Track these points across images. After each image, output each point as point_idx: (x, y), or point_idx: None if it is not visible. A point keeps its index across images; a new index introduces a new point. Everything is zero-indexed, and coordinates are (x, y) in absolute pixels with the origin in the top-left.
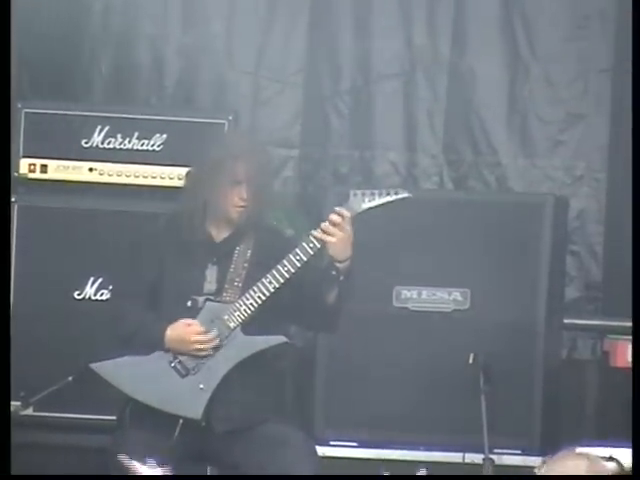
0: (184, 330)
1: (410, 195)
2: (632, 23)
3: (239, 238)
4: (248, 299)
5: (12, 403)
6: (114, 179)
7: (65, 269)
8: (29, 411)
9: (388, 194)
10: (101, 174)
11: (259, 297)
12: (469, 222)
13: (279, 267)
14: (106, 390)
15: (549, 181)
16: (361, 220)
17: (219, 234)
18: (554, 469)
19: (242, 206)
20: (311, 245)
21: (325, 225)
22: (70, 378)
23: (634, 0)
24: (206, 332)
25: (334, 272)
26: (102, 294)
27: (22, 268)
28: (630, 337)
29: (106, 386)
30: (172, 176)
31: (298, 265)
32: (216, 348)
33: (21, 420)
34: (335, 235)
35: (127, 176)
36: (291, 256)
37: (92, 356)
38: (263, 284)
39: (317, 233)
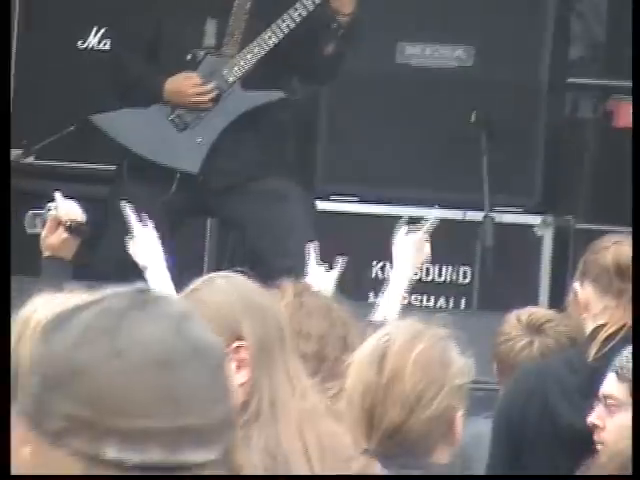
0: (183, 82)
1: None
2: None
3: None
4: (247, 54)
5: (13, 151)
6: None
7: (68, 17)
8: (30, 159)
9: None
10: None
11: (258, 51)
12: None
13: (279, 22)
14: (107, 140)
15: None
16: None
17: None
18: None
19: None
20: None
21: None
22: (72, 127)
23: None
24: (204, 84)
25: (335, 25)
26: (105, 44)
27: (25, 14)
28: None
29: (106, 137)
30: None
31: (297, 21)
32: (215, 101)
33: (22, 167)
34: None
35: None
36: (291, 11)
37: (94, 106)
38: (262, 39)
39: None
